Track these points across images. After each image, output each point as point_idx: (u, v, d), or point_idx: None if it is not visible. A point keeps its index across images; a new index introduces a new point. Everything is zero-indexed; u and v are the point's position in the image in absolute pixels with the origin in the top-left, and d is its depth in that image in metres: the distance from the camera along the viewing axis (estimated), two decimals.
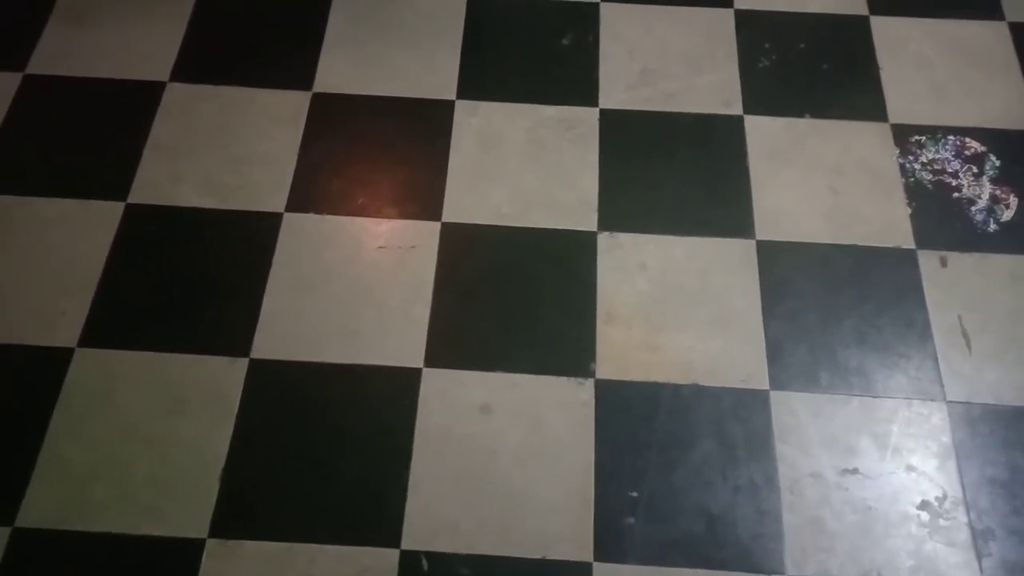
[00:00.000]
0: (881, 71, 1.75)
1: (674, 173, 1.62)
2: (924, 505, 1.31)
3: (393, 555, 1.27)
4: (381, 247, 1.53)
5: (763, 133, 1.67)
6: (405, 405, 1.38)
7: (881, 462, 1.35)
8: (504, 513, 1.30)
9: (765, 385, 1.41)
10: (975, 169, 1.63)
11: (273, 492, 1.31)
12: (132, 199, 1.57)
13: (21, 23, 1.78)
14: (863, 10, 1.84)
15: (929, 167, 1.63)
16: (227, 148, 1.63)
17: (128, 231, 1.54)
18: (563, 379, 1.41)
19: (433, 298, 1.48)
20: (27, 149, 1.63)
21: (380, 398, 1.39)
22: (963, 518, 1.30)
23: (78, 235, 1.53)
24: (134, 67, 1.73)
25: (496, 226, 1.56)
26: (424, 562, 1.26)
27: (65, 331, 1.44)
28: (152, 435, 1.35)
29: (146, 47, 1.76)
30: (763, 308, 1.48)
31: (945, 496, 1.32)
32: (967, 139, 1.66)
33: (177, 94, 1.70)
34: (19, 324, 1.44)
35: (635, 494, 1.32)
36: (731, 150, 1.65)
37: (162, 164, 1.61)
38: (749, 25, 1.81)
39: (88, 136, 1.65)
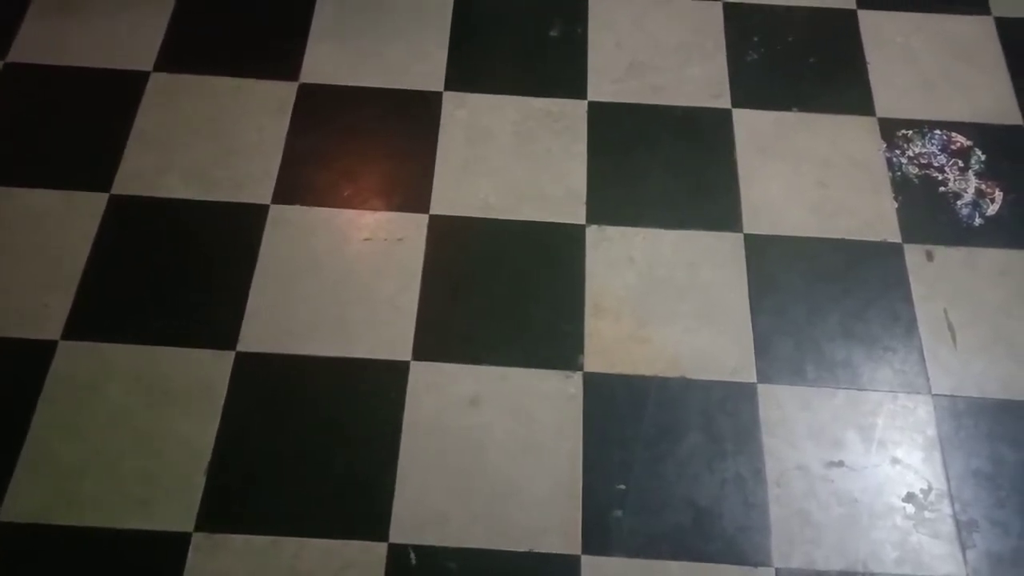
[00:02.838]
0: (868, 65, 1.75)
1: (662, 166, 1.62)
2: (909, 497, 1.32)
3: (381, 548, 1.27)
4: (368, 239, 1.53)
5: (751, 126, 1.67)
6: (393, 398, 1.38)
7: (867, 455, 1.35)
8: (492, 506, 1.30)
9: (752, 378, 1.41)
10: (961, 163, 1.64)
11: (260, 486, 1.31)
12: (116, 190, 1.56)
13: (2, 10, 1.75)
14: (851, 4, 1.84)
15: (915, 161, 1.64)
16: (212, 139, 1.62)
17: (112, 223, 1.52)
18: (551, 372, 1.41)
19: (421, 291, 1.47)
20: (8, 139, 1.61)
21: (368, 391, 1.39)
22: (948, 510, 1.31)
23: (61, 227, 1.51)
24: (117, 56, 1.71)
25: (484, 219, 1.55)
26: (412, 556, 1.26)
27: (48, 324, 1.42)
28: (137, 429, 1.34)
29: (129, 36, 1.74)
30: (750, 301, 1.48)
31: (930, 488, 1.33)
32: (953, 133, 1.67)
33: (161, 84, 1.68)
34: (1, 317, 1.42)
35: (623, 487, 1.32)
36: (719, 143, 1.65)
37: (146, 155, 1.60)
38: (737, 18, 1.81)
39: (71, 126, 1.63)
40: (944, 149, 1.65)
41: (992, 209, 1.59)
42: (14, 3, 1.76)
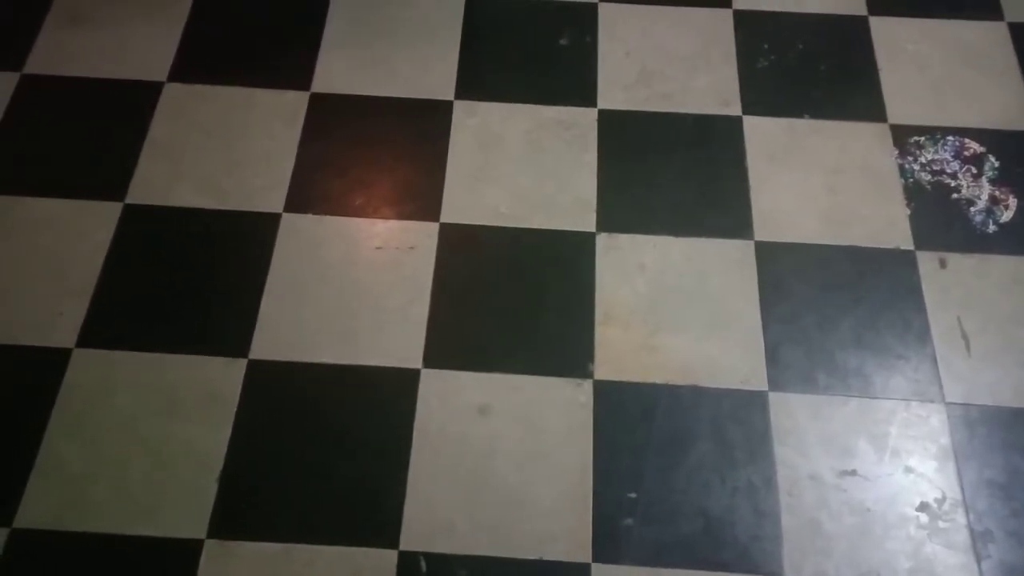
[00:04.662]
0: (880, 71, 1.75)
1: (672, 174, 1.62)
2: (923, 507, 1.31)
3: (391, 556, 1.27)
4: (379, 248, 1.53)
5: (762, 134, 1.67)
6: (403, 406, 1.38)
7: (880, 464, 1.34)
8: (502, 514, 1.30)
9: (763, 386, 1.41)
10: (974, 170, 1.63)
11: (271, 493, 1.31)
12: (130, 199, 1.57)
13: (18, 22, 1.78)
14: (862, 10, 1.84)
15: (928, 168, 1.63)
16: (225, 149, 1.63)
17: (126, 232, 1.54)
18: (561, 380, 1.41)
19: (431, 299, 1.48)
20: (25, 149, 1.63)
21: (378, 399, 1.39)
22: (962, 520, 1.30)
23: (76, 236, 1.53)
24: (132, 67, 1.73)
25: (494, 227, 1.56)
26: (422, 563, 1.26)
27: (63, 332, 1.43)
28: (150, 436, 1.35)
29: (144, 47, 1.75)
30: (761, 309, 1.48)
31: (944, 498, 1.32)
32: (966, 140, 1.66)
33: (175, 94, 1.70)
34: (17, 325, 1.44)
35: (633, 495, 1.32)
36: (729, 151, 1.65)
37: (160, 165, 1.61)
38: (748, 25, 1.81)
39: (86, 136, 1.64)
40: (957, 155, 1.64)
41: (1006, 216, 1.58)
42: (31, 15, 1.79)
